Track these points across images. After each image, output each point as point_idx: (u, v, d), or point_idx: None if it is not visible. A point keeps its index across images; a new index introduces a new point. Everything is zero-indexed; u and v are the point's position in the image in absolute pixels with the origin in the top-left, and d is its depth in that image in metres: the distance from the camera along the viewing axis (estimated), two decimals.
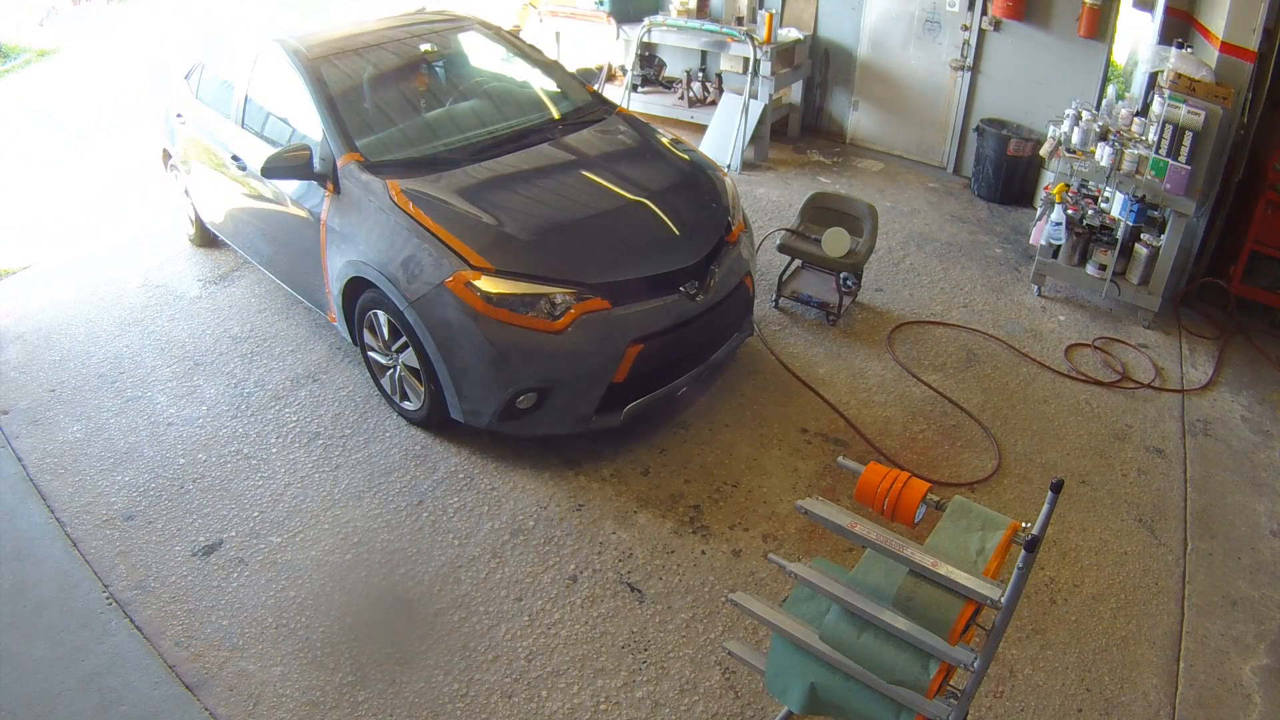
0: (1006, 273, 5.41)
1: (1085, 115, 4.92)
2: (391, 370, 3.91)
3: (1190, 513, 3.62)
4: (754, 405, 4.14)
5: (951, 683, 2.08)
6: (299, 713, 2.77)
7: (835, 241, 4.61)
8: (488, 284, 3.41)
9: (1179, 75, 4.44)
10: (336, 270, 3.87)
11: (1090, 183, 5.04)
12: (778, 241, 4.84)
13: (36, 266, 5.41)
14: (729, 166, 6.53)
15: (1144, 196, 4.66)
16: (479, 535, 3.42)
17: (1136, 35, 5.86)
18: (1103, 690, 2.87)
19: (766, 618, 2.19)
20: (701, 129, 7.02)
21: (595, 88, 4.91)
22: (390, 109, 4.21)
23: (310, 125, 4.02)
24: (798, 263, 5.03)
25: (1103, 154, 4.67)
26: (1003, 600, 1.83)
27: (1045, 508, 1.87)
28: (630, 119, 4.57)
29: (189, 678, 2.87)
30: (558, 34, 8.12)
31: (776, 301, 4.91)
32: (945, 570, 1.89)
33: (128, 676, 2.88)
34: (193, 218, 5.39)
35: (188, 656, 2.94)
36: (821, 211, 4.89)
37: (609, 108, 4.63)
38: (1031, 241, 5.34)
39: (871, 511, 2.09)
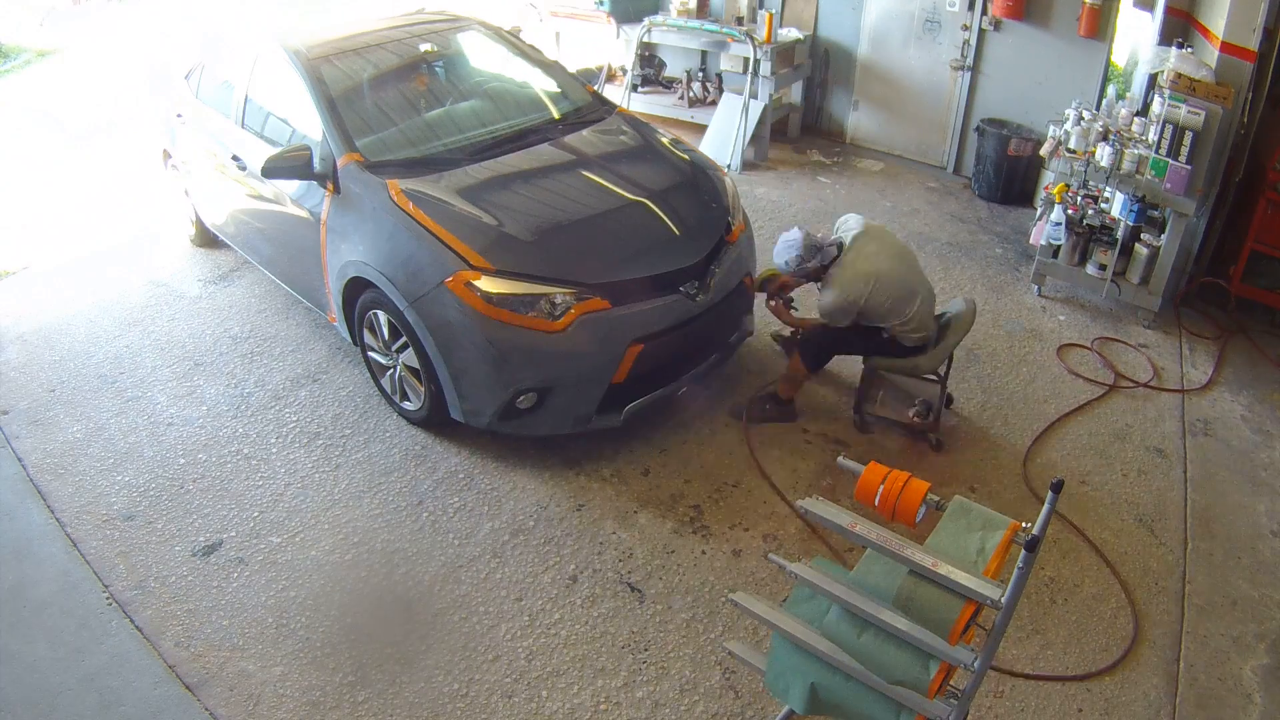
0: (1006, 272, 5.41)
1: (1085, 115, 4.92)
2: (391, 370, 3.91)
3: (1190, 513, 3.62)
4: None
5: (952, 683, 2.08)
6: (299, 713, 2.77)
7: None
8: (488, 284, 3.41)
9: (1179, 75, 4.44)
10: (336, 270, 3.87)
11: (1090, 183, 5.04)
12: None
13: (36, 266, 5.41)
14: (729, 166, 6.53)
15: (1144, 196, 4.66)
16: (479, 535, 3.42)
17: (1136, 35, 5.86)
18: (1103, 690, 2.87)
19: (767, 618, 2.19)
20: (701, 129, 7.02)
21: (595, 88, 4.91)
22: (390, 109, 4.21)
23: (310, 125, 4.02)
24: None
25: (1103, 154, 4.67)
26: (1003, 600, 1.83)
27: (1045, 508, 1.87)
28: (630, 119, 4.57)
29: (189, 678, 2.87)
30: (558, 34, 8.12)
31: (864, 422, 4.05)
32: (945, 570, 1.89)
33: (128, 676, 2.88)
34: (193, 218, 5.39)
35: (188, 657, 2.94)
36: None
37: (609, 108, 4.63)
38: (1031, 241, 5.34)
39: (871, 511, 2.09)
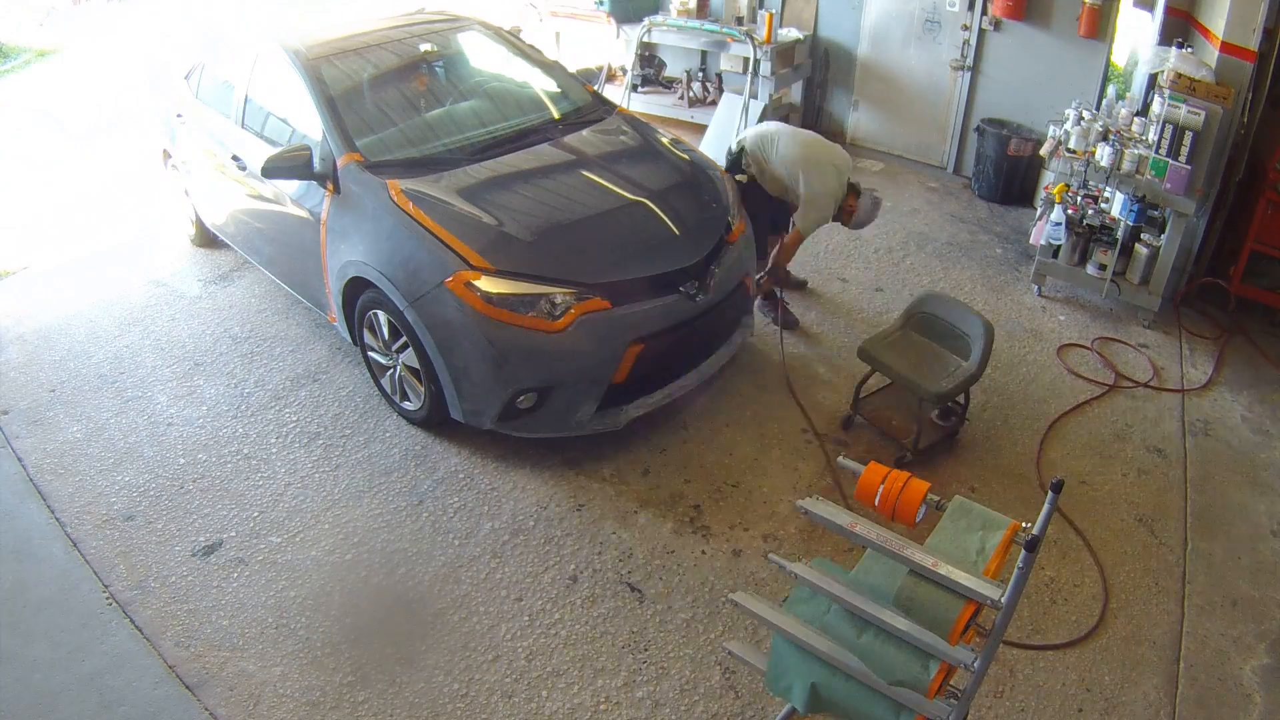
0: (1006, 272, 5.40)
1: (1085, 115, 4.92)
2: (391, 370, 3.91)
3: (1190, 513, 3.62)
4: (754, 405, 4.14)
5: (951, 683, 2.08)
6: (299, 713, 2.77)
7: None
8: (488, 284, 3.41)
9: (1179, 75, 4.44)
10: (336, 270, 3.87)
11: (1090, 183, 5.04)
12: (859, 345, 3.93)
13: (36, 266, 5.41)
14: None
15: (1144, 196, 4.66)
16: (479, 535, 3.42)
17: (1136, 35, 5.86)
18: (1103, 690, 2.87)
19: (767, 618, 2.19)
20: (701, 129, 7.01)
21: (595, 88, 4.91)
22: (390, 109, 4.21)
23: (310, 125, 4.02)
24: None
25: (1103, 154, 4.67)
26: (1003, 600, 1.83)
27: (1045, 508, 1.87)
28: (630, 119, 4.57)
29: (189, 678, 2.87)
30: (558, 34, 8.12)
31: (850, 418, 4.00)
32: (945, 570, 1.89)
33: (128, 676, 2.88)
34: (193, 218, 5.39)
35: (188, 656, 2.94)
36: (928, 319, 3.93)
37: (609, 108, 4.63)
38: (1031, 241, 5.34)
39: (872, 511, 2.09)
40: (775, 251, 4.68)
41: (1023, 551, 1.80)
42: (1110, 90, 5.91)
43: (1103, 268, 4.87)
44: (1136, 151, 4.58)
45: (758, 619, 2.21)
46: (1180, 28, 5.02)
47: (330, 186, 3.84)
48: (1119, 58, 6.07)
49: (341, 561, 3.31)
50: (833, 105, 7.39)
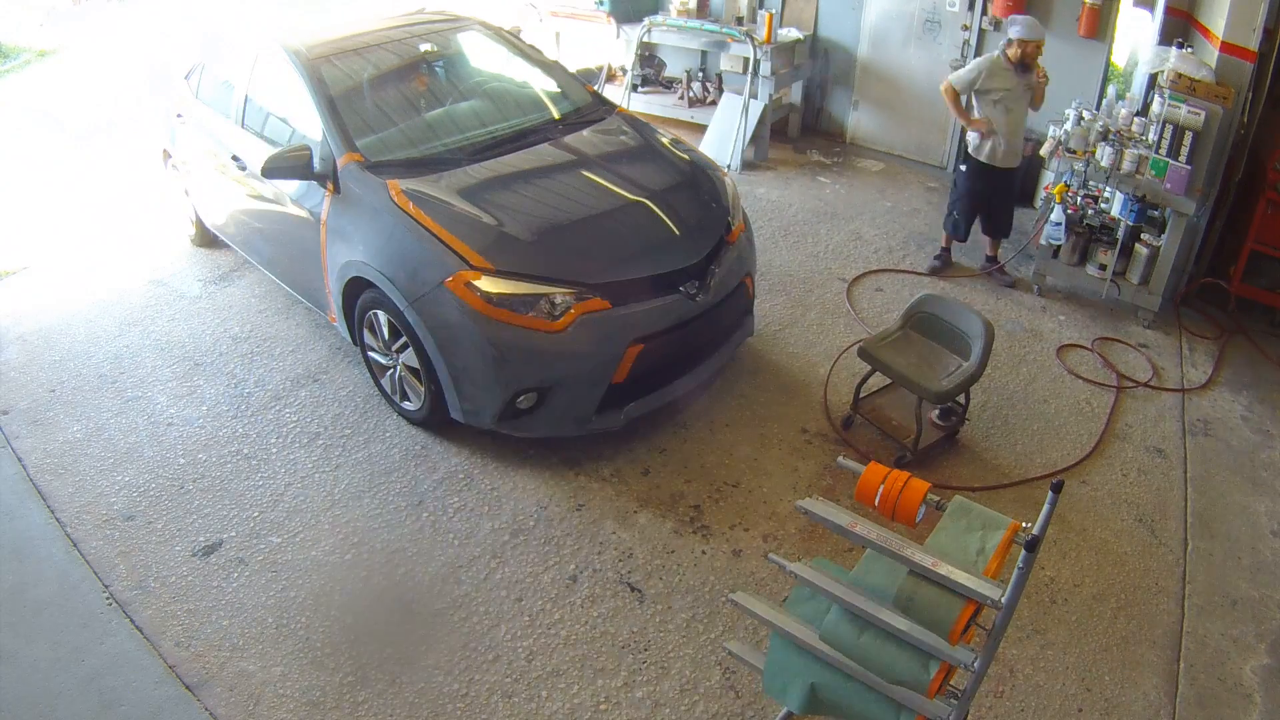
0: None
1: (1085, 115, 4.92)
2: (391, 370, 3.91)
3: (1190, 513, 3.62)
4: (754, 405, 4.14)
5: (952, 683, 2.08)
6: (299, 713, 2.77)
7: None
8: (488, 284, 3.41)
9: (1179, 75, 4.44)
10: (336, 270, 3.87)
11: (1090, 183, 5.04)
12: (859, 345, 3.93)
13: (36, 266, 5.41)
14: (729, 166, 6.53)
15: (1144, 196, 4.66)
16: (479, 535, 3.42)
17: (1136, 35, 5.86)
18: (1103, 690, 2.88)
19: (767, 618, 2.20)
20: (701, 129, 7.02)
21: (595, 88, 4.91)
22: (390, 109, 4.21)
23: (310, 125, 4.02)
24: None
25: (1103, 154, 4.67)
26: (1003, 600, 1.83)
27: (1045, 508, 1.87)
28: (630, 119, 4.57)
29: (189, 678, 2.87)
30: (558, 34, 8.12)
31: (850, 418, 4.03)
32: (945, 570, 1.89)
33: (128, 676, 2.88)
34: (193, 218, 5.39)
35: (188, 656, 2.94)
36: (928, 319, 3.96)
37: (609, 108, 4.63)
38: (1031, 241, 5.34)
39: (872, 511, 2.09)
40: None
41: (1023, 551, 1.80)
42: (1110, 90, 5.91)
43: (1103, 268, 4.88)
44: (1136, 151, 4.58)
45: (758, 619, 2.21)
46: (1180, 28, 5.02)
47: (330, 186, 3.84)
48: (1119, 58, 6.07)
49: (341, 562, 3.31)
50: (833, 105, 7.40)
